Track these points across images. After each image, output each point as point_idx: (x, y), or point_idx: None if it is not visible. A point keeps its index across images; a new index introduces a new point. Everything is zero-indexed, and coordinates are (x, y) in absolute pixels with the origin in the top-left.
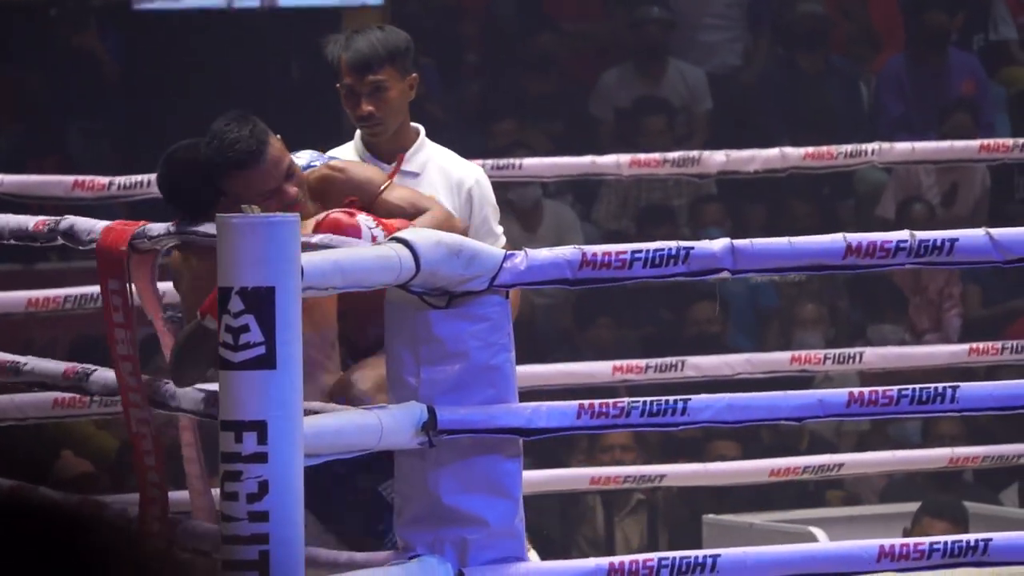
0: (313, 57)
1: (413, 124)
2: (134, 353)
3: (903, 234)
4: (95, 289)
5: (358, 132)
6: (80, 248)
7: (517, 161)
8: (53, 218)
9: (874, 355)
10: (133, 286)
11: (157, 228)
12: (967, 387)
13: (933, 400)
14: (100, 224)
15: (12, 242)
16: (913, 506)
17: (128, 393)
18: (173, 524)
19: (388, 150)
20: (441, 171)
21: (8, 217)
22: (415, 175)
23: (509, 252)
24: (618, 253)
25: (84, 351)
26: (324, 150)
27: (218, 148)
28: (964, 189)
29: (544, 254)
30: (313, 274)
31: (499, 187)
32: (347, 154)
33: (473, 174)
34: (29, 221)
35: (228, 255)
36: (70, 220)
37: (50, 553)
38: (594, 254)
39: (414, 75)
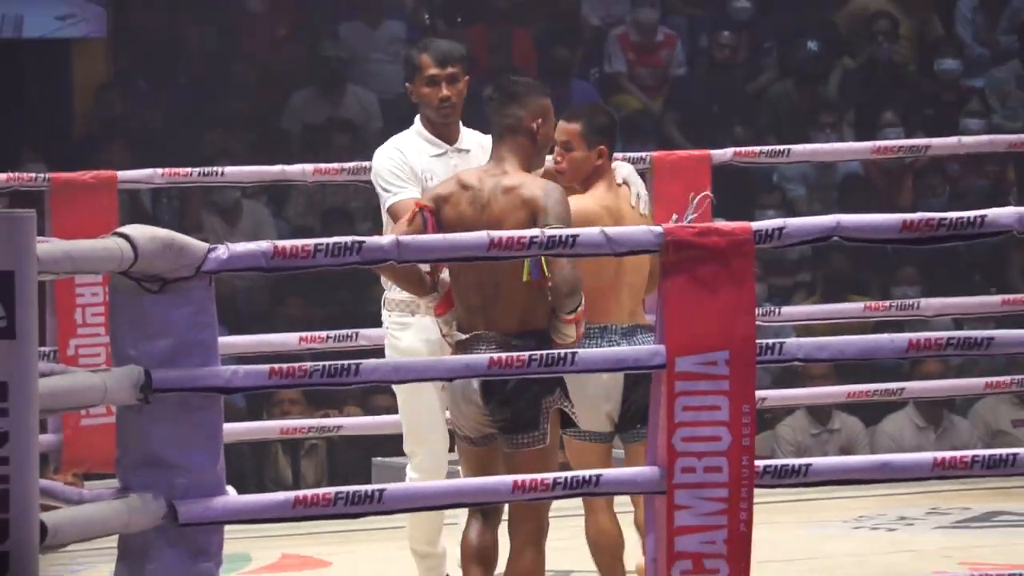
0: (48, 82)
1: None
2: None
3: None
4: None
5: (417, 119)
6: None
7: (220, 169)
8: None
9: None
10: None
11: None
12: None
13: None
14: None
15: None
16: None
17: None
18: None
19: (450, 131)
20: (479, 146)
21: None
22: (467, 151)
23: (212, 245)
24: (303, 246)
25: None
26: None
27: None
28: None
29: (243, 247)
30: (46, 261)
31: (204, 191)
32: (410, 139)
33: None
34: None
35: None
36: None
37: None
38: (283, 247)
39: (466, 76)
